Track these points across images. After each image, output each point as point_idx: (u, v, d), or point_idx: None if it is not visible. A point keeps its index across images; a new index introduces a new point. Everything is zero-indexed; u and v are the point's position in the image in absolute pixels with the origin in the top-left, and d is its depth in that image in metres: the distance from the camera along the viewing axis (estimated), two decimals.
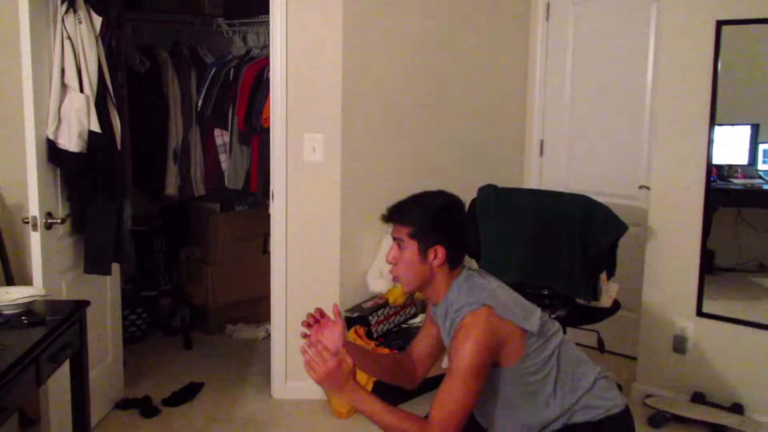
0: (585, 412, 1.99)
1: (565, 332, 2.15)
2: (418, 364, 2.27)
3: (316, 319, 2.16)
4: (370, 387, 3.38)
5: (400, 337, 3.56)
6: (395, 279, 2.09)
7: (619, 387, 3.57)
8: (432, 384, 3.66)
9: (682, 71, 3.39)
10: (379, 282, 3.59)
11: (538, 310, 2.05)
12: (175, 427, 3.34)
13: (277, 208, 3.51)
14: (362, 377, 3.36)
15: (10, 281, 3.02)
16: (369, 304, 3.63)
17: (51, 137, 2.80)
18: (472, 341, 1.88)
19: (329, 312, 2.17)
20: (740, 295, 3.61)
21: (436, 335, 2.20)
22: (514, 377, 1.98)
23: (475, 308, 1.91)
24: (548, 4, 4.27)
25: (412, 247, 2.00)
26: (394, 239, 2.05)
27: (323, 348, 1.93)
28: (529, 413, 2.01)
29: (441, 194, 2.09)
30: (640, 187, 3.90)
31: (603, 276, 3.28)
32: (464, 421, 1.90)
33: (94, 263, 3.08)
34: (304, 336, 2.12)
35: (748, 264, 3.63)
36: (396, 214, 2.06)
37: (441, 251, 1.99)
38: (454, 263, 2.03)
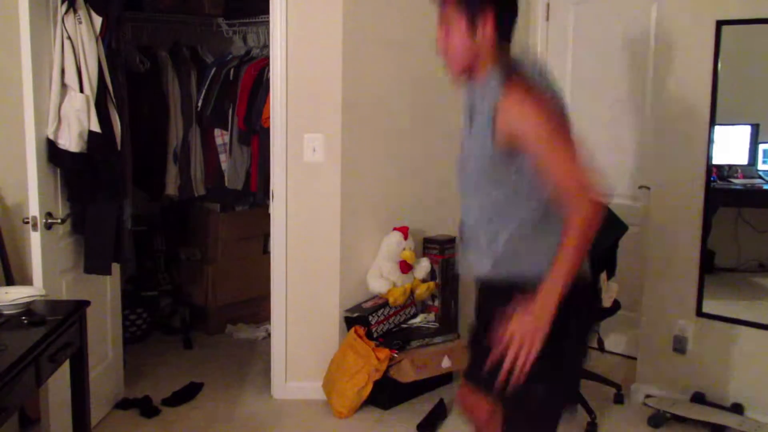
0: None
1: None
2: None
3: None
4: (369, 388, 3.39)
5: (400, 337, 3.56)
6: (446, 61, 2.00)
7: (619, 387, 3.59)
8: (430, 385, 3.68)
9: (682, 71, 3.39)
10: (379, 282, 3.59)
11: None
12: (175, 427, 3.34)
13: (277, 208, 3.51)
14: (362, 378, 3.36)
15: (10, 281, 3.02)
16: (369, 304, 3.63)
17: (51, 137, 2.80)
18: (533, 103, 1.79)
19: None
20: (740, 295, 3.61)
21: None
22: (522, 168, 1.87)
23: (517, 77, 1.85)
24: (548, 4, 4.27)
25: (461, 20, 1.90)
26: (441, 20, 1.96)
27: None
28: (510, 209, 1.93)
29: None
30: (640, 187, 3.90)
31: (603, 276, 3.28)
32: (582, 166, 1.81)
33: (94, 263, 3.08)
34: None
35: (748, 264, 3.63)
36: None
37: (490, 20, 1.90)
38: (504, 34, 1.95)
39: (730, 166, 3.58)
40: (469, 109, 2.02)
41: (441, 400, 3.51)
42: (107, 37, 3.05)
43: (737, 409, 3.31)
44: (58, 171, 2.92)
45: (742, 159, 3.56)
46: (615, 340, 4.03)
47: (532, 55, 1.98)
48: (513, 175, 1.89)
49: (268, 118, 3.57)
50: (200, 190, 4.34)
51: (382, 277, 3.60)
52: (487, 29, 1.90)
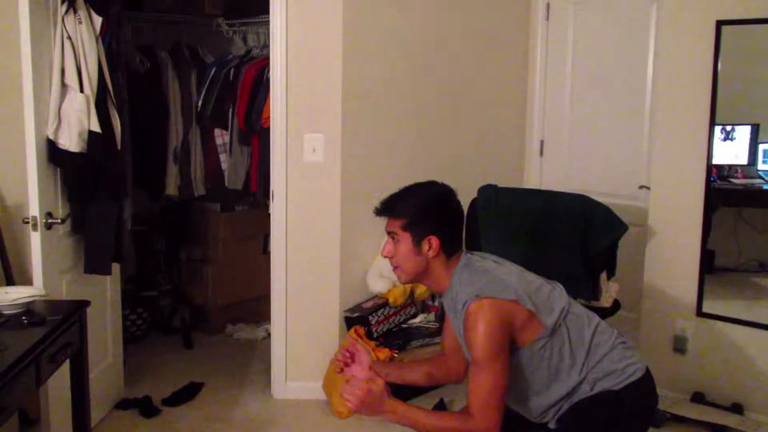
0: (607, 380, 2.00)
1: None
2: (454, 358, 2.27)
3: (349, 358, 2.22)
4: None
5: (400, 337, 3.56)
6: (395, 269, 2.11)
7: None
8: (426, 388, 3.67)
9: (682, 71, 3.39)
10: (379, 282, 3.59)
11: (546, 286, 2.07)
12: (175, 427, 3.34)
13: (277, 208, 3.51)
14: None
15: (10, 281, 3.02)
16: (369, 304, 3.63)
17: (51, 137, 2.80)
18: (482, 327, 1.90)
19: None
20: (740, 295, 3.61)
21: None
22: (533, 357, 1.99)
23: (475, 297, 1.94)
24: (548, 4, 4.27)
25: (405, 240, 2.03)
26: (388, 233, 2.08)
27: (354, 379, 1.99)
28: (556, 388, 2.02)
29: (431, 185, 2.12)
30: (640, 187, 3.90)
31: (603, 276, 3.28)
32: (503, 400, 1.93)
33: (94, 263, 3.08)
34: (341, 372, 2.20)
35: (748, 264, 3.63)
36: (387, 208, 2.08)
37: (435, 241, 2.01)
38: (450, 251, 2.06)
39: (730, 166, 3.58)
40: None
41: (441, 400, 3.51)
42: (107, 37, 3.05)
43: (737, 409, 3.32)
44: (58, 171, 2.92)
45: (742, 159, 3.56)
46: None
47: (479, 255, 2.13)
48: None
49: (268, 118, 3.57)
50: (200, 190, 4.34)
51: (382, 277, 3.60)
52: (432, 250, 2.03)
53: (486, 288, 1.96)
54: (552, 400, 2.03)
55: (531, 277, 2.10)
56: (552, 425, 2.06)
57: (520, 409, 2.14)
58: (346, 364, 2.24)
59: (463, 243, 2.14)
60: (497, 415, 1.91)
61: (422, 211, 2.03)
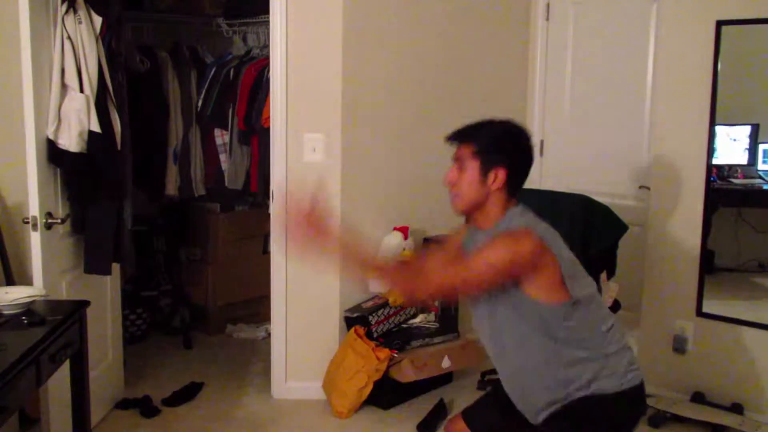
0: (608, 379, 1.96)
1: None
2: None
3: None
4: (369, 388, 3.39)
5: (400, 337, 3.56)
6: (454, 197, 2.08)
7: None
8: (430, 386, 3.68)
9: (682, 71, 3.39)
10: (379, 282, 3.59)
11: (581, 268, 2.04)
12: (175, 427, 3.34)
13: (277, 208, 3.50)
14: (362, 378, 3.37)
15: (10, 281, 3.02)
16: (369, 304, 3.63)
17: (51, 137, 2.80)
18: (510, 244, 1.87)
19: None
20: (740, 295, 3.62)
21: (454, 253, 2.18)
22: (544, 323, 1.93)
23: (525, 227, 1.92)
24: (548, 4, 4.27)
25: (473, 167, 2.00)
26: (456, 160, 2.06)
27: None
28: (554, 370, 1.97)
29: (509, 121, 2.07)
30: (640, 187, 3.90)
31: (603, 276, 3.28)
32: (449, 293, 1.99)
33: (94, 263, 3.08)
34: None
35: (748, 264, 3.63)
36: (461, 133, 2.07)
37: (502, 173, 1.97)
38: (513, 189, 2.02)
39: (730, 166, 3.58)
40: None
41: (441, 400, 3.51)
42: (107, 37, 3.05)
43: (737, 409, 3.32)
44: (58, 171, 2.92)
45: (742, 159, 3.56)
46: None
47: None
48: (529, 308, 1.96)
49: (268, 118, 3.57)
50: (200, 190, 4.34)
51: None
52: (497, 182, 1.99)
53: (539, 228, 1.93)
54: (547, 383, 1.98)
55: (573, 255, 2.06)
56: (539, 420, 2.03)
57: (514, 392, 2.09)
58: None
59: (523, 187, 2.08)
60: (432, 293, 1.97)
61: (496, 141, 2.01)
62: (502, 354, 2.09)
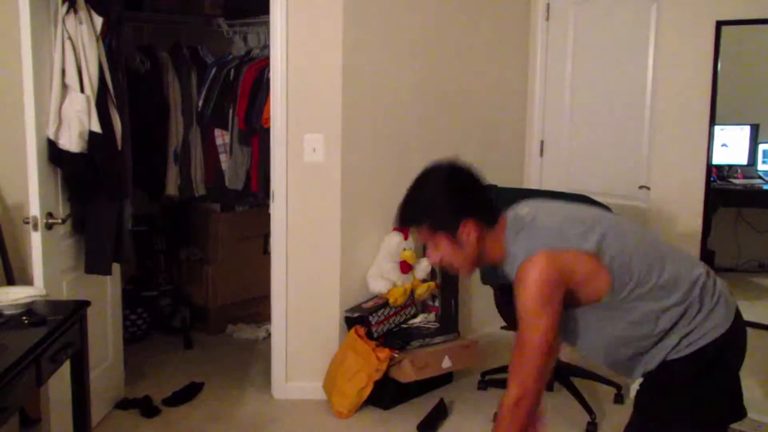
0: (687, 336, 1.85)
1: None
2: None
3: None
4: (370, 388, 3.39)
5: (400, 337, 3.56)
6: (454, 272, 1.99)
7: (619, 387, 3.58)
8: (430, 385, 3.68)
9: (682, 71, 3.40)
10: (379, 282, 3.60)
11: (601, 220, 1.91)
12: (176, 427, 3.34)
13: (277, 208, 3.51)
14: (362, 378, 3.37)
15: (10, 281, 3.02)
16: (369, 304, 3.63)
17: (52, 138, 2.80)
18: (533, 278, 1.75)
19: None
20: (740, 295, 3.61)
21: None
22: (611, 310, 1.84)
23: (529, 255, 1.79)
24: (548, 4, 4.27)
25: (442, 240, 1.88)
26: (424, 242, 1.96)
27: None
28: (639, 339, 1.87)
29: (429, 173, 1.92)
30: (640, 187, 3.90)
31: None
32: (544, 360, 1.76)
33: (94, 263, 3.08)
34: None
35: (748, 264, 3.63)
36: (404, 220, 1.96)
37: (470, 224, 1.84)
38: (490, 222, 1.88)
39: (730, 166, 3.58)
40: None
41: (441, 400, 3.51)
42: (108, 38, 3.05)
43: None
44: (59, 171, 2.92)
45: (742, 159, 3.56)
46: None
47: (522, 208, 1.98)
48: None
49: (269, 118, 3.57)
50: (200, 190, 4.34)
51: (382, 278, 3.60)
52: (472, 234, 1.86)
53: (535, 244, 1.80)
54: (641, 347, 1.88)
55: (585, 216, 1.93)
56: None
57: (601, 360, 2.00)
58: None
59: (496, 205, 1.95)
60: (534, 376, 1.76)
61: (439, 206, 1.86)
62: (592, 344, 1.98)
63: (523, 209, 1.96)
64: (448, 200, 1.87)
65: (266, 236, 4.30)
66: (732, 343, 1.99)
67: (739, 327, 2.01)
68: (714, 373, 1.95)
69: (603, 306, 1.84)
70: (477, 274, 3.55)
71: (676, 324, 1.86)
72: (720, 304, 1.93)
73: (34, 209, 2.74)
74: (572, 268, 1.80)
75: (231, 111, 4.13)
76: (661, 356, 1.88)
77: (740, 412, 2.09)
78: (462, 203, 1.87)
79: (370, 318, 3.52)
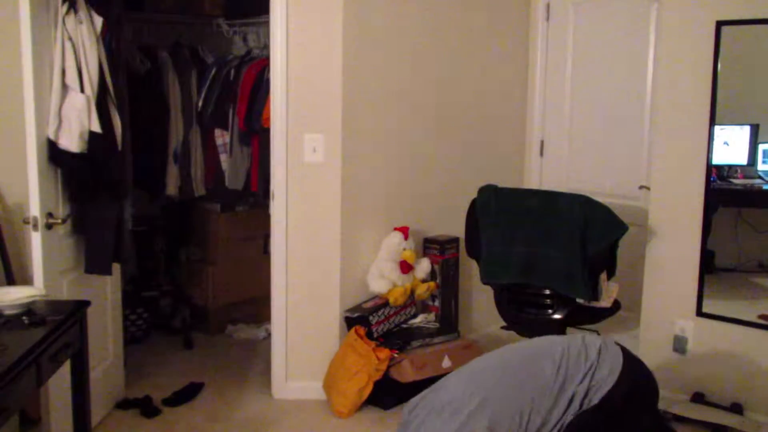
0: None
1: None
2: None
3: None
4: (370, 388, 3.39)
5: (400, 337, 3.57)
6: None
7: None
8: (430, 385, 3.66)
9: (682, 71, 3.39)
10: (379, 282, 3.60)
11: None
12: (176, 427, 3.34)
13: (277, 208, 3.51)
14: (362, 378, 3.37)
15: (10, 281, 3.02)
16: (369, 304, 3.63)
17: (52, 138, 2.80)
18: None
19: None
20: (740, 295, 3.61)
21: None
22: None
23: None
24: (548, 4, 4.28)
25: None
26: None
27: None
28: None
29: None
30: (640, 187, 3.91)
31: (603, 276, 3.28)
32: None
33: (94, 263, 3.08)
34: None
35: (748, 264, 3.63)
36: None
37: None
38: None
39: (730, 166, 3.58)
40: None
41: None
42: (108, 38, 3.05)
43: (737, 409, 3.32)
44: (59, 171, 2.92)
45: (742, 159, 3.56)
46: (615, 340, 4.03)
47: None
48: None
49: (269, 118, 3.57)
50: (200, 190, 4.35)
51: (382, 277, 3.60)
52: None
53: None
54: None
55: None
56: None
57: None
58: None
59: None
60: None
61: None
62: None
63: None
64: None
65: (266, 236, 4.30)
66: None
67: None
68: None
69: None
70: (477, 274, 3.55)
71: None
72: None
73: (34, 209, 2.74)
74: None
75: (231, 111, 4.13)
76: None
77: None
78: None
79: (370, 318, 3.53)
